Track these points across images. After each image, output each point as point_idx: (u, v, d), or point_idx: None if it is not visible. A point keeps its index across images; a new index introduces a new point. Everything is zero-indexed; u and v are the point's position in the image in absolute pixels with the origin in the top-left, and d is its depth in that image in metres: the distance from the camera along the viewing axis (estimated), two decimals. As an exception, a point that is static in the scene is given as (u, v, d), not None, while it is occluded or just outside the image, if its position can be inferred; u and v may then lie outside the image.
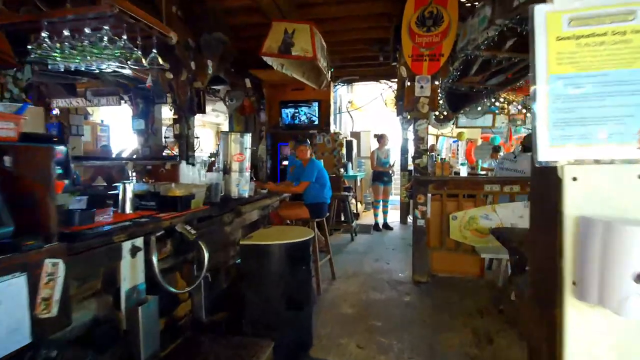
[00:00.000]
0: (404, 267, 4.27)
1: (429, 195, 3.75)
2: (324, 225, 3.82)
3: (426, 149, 3.70)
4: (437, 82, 3.70)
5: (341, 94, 8.54)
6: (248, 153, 3.05)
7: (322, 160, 6.28)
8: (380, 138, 6.55)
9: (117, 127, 10.18)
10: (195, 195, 2.21)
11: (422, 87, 3.63)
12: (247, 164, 3.05)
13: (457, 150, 8.29)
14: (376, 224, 6.53)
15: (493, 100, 6.79)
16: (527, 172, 3.78)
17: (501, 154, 6.50)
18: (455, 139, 8.04)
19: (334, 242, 5.50)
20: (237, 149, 2.97)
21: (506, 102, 7.08)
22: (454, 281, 3.77)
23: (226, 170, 2.94)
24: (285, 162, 6.59)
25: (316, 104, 6.39)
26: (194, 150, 4.39)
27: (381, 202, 6.55)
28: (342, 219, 6.41)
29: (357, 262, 4.51)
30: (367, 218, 7.92)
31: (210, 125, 14.17)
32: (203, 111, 4.40)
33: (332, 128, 6.72)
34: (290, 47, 3.19)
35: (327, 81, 4.71)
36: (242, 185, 2.98)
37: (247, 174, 3.05)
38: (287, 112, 6.50)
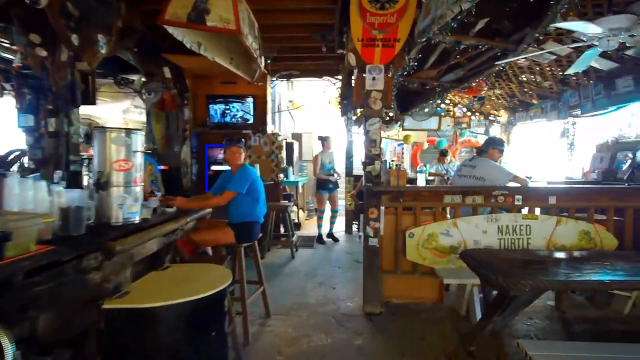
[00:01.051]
0: (352, 292, 3.61)
1: (382, 208, 3.13)
2: (255, 250, 3.01)
3: (379, 153, 3.08)
4: (391, 74, 3.09)
5: (280, 91, 7.76)
6: (138, 159, 2.14)
7: (257, 166, 5.47)
8: (325, 140, 5.86)
9: (8, 124, 8.35)
10: (11, 233, 1.29)
11: (374, 78, 3.00)
12: (138, 174, 2.15)
13: (402, 154, 7.96)
14: (319, 236, 5.84)
15: (439, 102, 6.49)
16: (487, 178, 3.33)
17: (448, 158, 6.21)
18: (401, 142, 7.68)
19: (270, 262, 4.70)
20: (121, 154, 2.06)
21: (452, 104, 6.85)
22: (410, 310, 3.18)
23: (101, 185, 2.01)
24: (215, 167, 5.65)
25: (251, 100, 5.54)
26: (79, 154, 3.30)
27: (330, 212, 5.89)
28: (282, 231, 5.64)
29: (297, 288, 3.75)
30: (310, 227, 7.23)
31: (135, 124, 12.49)
32: (92, 102, 3.34)
33: (270, 128, 5.91)
34: (205, 15, 2.35)
35: (261, 72, 3.91)
36: (128, 205, 2.07)
37: (138, 189, 2.14)
38: (216, 108, 5.56)
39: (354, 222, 6.64)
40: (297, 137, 8.87)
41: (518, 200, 3.10)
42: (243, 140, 2.96)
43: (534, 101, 5.14)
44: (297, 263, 4.70)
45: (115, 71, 5.88)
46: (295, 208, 7.18)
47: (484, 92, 4.84)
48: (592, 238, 3.07)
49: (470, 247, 3.08)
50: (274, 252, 5.19)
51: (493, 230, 3.09)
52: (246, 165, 2.82)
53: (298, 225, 6.99)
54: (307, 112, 10.51)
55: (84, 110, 8.69)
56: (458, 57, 3.25)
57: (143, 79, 6.00)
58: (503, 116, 6.35)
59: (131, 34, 3.90)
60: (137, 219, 2.13)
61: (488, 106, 6.35)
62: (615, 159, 3.95)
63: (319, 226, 5.92)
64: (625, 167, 3.71)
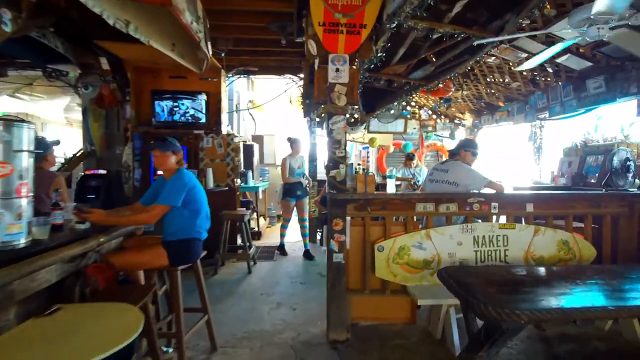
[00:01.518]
0: (315, 313, 3.19)
1: (348, 219, 2.74)
2: (198, 271, 2.50)
3: (344, 155, 2.69)
4: (356, 65, 2.73)
5: (239, 89, 7.24)
6: (24, 161, 1.60)
7: (210, 170, 4.92)
8: (294, 143, 5.23)
9: None
10: None
11: (337, 70, 2.61)
12: (23, 182, 1.60)
13: (367, 157, 7.68)
14: (282, 245, 5.36)
15: (404, 104, 6.28)
16: (461, 183, 3.05)
17: (415, 162, 5.99)
18: (366, 145, 7.41)
19: (224, 279, 4.17)
20: (-4, 154, 1.51)
21: (417, 107, 6.66)
22: (380, 333, 2.81)
23: (-39, 197, 1.45)
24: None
25: (203, 96, 4.98)
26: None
27: (297, 222, 5.32)
28: (239, 242, 5.11)
29: (252, 311, 3.27)
30: (271, 236, 6.74)
31: (79, 124, 11.36)
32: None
33: (226, 129, 5.38)
34: (124, -20, 1.87)
35: (209, 62, 3.42)
36: (6, 224, 1.52)
37: (23, 202, 1.59)
38: (163, 105, 4.95)
39: (318, 230, 6.23)
40: (258, 139, 8.36)
41: (494, 208, 2.83)
42: (173, 139, 2.43)
43: (501, 104, 5.02)
44: (254, 279, 4.20)
45: (42, 60, 5.11)
46: (255, 215, 6.68)
47: (451, 93, 4.64)
48: (570, 248, 2.86)
49: (445, 261, 2.78)
50: (229, 267, 4.65)
51: (469, 241, 2.80)
52: (181, 170, 2.32)
53: (258, 234, 6.49)
54: (270, 113, 10.03)
55: (18, 107, 7.57)
56: (429, 50, 2.95)
57: (79, 72, 5.30)
58: (468, 119, 6.25)
59: (49, 13, 3.26)
60: (21, 242, 1.59)
61: (453, 109, 6.22)
62: (584, 163, 3.85)
63: (282, 235, 5.42)
64: (597, 172, 3.60)
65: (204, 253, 2.54)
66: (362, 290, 2.81)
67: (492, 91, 4.70)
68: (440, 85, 4.38)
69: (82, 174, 5.27)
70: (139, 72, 4.96)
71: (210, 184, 4.72)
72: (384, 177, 6.18)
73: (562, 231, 2.87)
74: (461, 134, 6.67)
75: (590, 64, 3.20)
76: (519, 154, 5.47)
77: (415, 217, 2.92)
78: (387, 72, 3.44)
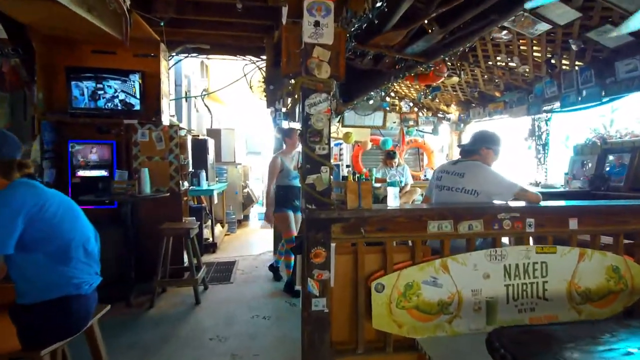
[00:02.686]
0: (284, 370, 2.31)
1: (333, 245, 1.88)
2: (95, 340, 1.52)
3: (327, 153, 1.82)
4: (342, 23, 1.86)
5: (189, 74, 6.13)
6: None
7: (145, 170, 3.84)
8: (288, 136, 3.80)
9: None
10: None
11: (317, 24, 1.73)
12: None
13: (341, 155, 6.86)
14: (289, 284, 3.70)
15: (383, 94, 5.51)
16: (483, 192, 2.28)
17: (396, 160, 5.24)
18: (339, 141, 6.57)
19: (161, 313, 3.11)
20: None
21: (397, 98, 5.92)
22: (378, 405, 1.97)
23: None
24: (83, 173, 3.91)
25: (136, 77, 3.89)
26: None
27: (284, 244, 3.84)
28: (185, 262, 4.09)
29: (194, 373, 2.32)
30: (229, 247, 5.74)
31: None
32: None
33: (168, 119, 4.32)
34: None
35: (128, 22, 2.40)
36: None
37: None
38: (83, 87, 3.81)
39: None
40: (215, 133, 7.30)
41: (529, 225, 2.08)
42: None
43: (497, 94, 4.36)
44: (202, 313, 3.22)
45: None
46: (209, 222, 5.65)
47: (443, 79, 3.91)
48: (622, 276, 2.18)
49: (468, 302, 1.99)
50: (172, 295, 3.63)
51: (498, 272, 2.03)
52: (10, 187, 1.31)
53: (213, 247, 5.47)
54: (232, 106, 8.93)
55: None
56: (442, 7, 2.13)
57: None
58: (454, 112, 5.59)
59: None
60: None
61: (438, 100, 5.54)
62: (604, 163, 3.25)
63: (288, 266, 3.73)
64: (624, 173, 2.99)
65: (106, 309, 1.56)
66: (354, 349, 1.95)
67: (493, 76, 4.00)
68: (430, 70, 3.64)
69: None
70: (49, 44, 3.79)
71: (147, 188, 3.67)
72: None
73: (611, 254, 2.18)
74: (446, 129, 6.01)
75: (632, 38, 2.55)
76: (515, 153, 4.89)
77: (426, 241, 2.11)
78: (377, 42, 2.60)
